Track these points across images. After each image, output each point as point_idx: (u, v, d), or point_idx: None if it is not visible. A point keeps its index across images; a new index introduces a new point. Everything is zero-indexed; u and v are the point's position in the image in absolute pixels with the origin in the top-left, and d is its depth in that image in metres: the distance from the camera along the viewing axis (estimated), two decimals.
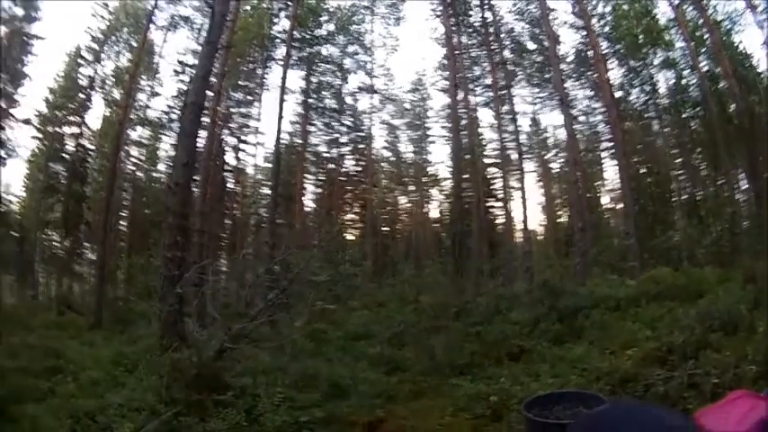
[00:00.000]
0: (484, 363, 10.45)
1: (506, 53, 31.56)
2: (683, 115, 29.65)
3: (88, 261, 35.29)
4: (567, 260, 23.54)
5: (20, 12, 29.53)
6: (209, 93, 20.45)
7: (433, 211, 44.46)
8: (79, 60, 34.29)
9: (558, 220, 39.15)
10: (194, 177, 17.68)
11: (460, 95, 30.61)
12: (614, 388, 7.34)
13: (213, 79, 20.93)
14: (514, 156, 30.37)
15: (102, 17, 34.15)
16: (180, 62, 34.25)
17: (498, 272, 24.78)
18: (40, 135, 33.78)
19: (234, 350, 10.09)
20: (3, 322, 21.58)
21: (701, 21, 26.35)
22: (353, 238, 40.27)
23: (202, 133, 20.62)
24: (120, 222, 36.23)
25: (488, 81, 33.57)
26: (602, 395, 4.86)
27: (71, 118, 33.55)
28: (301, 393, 9.12)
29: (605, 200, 37.15)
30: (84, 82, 34.02)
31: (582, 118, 34.62)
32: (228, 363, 9.95)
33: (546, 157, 40.12)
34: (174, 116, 34.75)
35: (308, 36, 35.17)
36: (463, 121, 30.99)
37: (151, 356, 10.24)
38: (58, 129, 33.55)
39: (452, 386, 9.19)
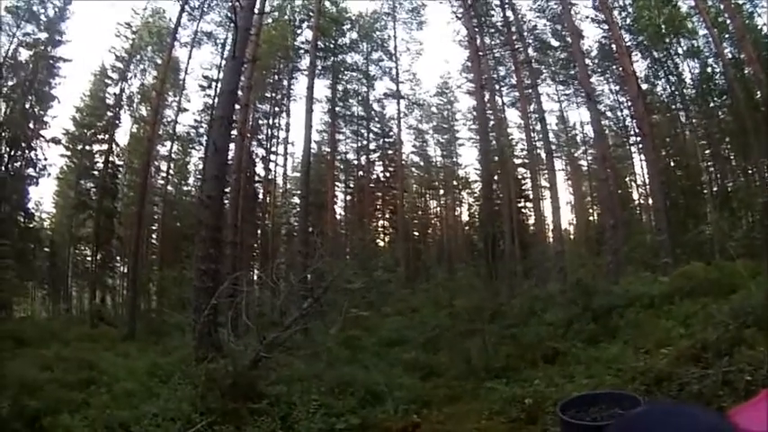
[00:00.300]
0: (519, 365, 10.42)
1: (530, 51, 31.40)
2: (710, 105, 29.30)
3: (120, 274, 35.87)
4: (599, 259, 23.27)
5: (44, 36, 30.13)
6: (237, 106, 20.65)
7: (464, 214, 44.45)
8: (105, 80, 34.93)
9: (590, 218, 38.94)
10: (225, 190, 17.77)
11: (487, 96, 30.59)
12: (649, 387, 7.28)
13: (240, 93, 21.10)
14: (543, 155, 30.15)
15: (125, 37, 34.67)
16: (205, 77, 34.84)
17: (531, 273, 24.65)
18: (69, 153, 34.45)
19: (269, 359, 10.20)
20: (37, 336, 22.01)
21: (723, 6, 25.99)
22: (385, 244, 40.42)
23: (231, 146, 20.80)
24: (152, 236, 36.70)
25: (513, 81, 33.54)
26: (637, 395, 4.87)
27: (99, 136, 34.21)
28: (336, 400, 9.11)
29: (636, 195, 36.92)
30: (111, 100, 34.68)
31: (609, 113, 34.47)
32: (263, 371, 10.06)
33: (575, 155, 39.92)
34: (201, 130, 35.24)
35: (331, 45, 35.42)
36: (491, 123, 30.92)
37: (186, 367, 10.36)
38: (87, 146, 34.22)
39: (487, 390, 9.18)
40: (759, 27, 26.49)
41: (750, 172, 27.66)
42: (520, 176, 37.14)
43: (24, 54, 29.93)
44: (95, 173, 33.98)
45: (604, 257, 21.96)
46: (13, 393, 11.43)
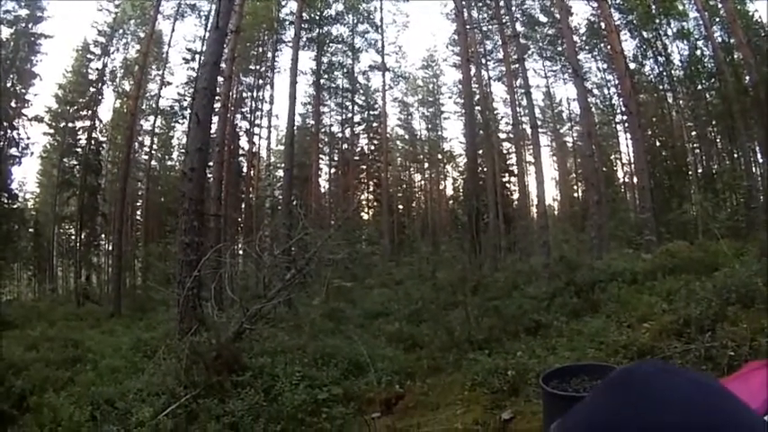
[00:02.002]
0: (501, 337, 10.44)
1: (518, 26, 31.21)
2: (698, 87, 29.39)
3: (105, 252, 35.77)
4: (582, 234, 23.47)
5: (24, 12, 29.77)
6: (220, 78, 20.48)
7: (449, 188, 44.54)
8: (87, 55, 34.60)
9: (574, 195, 39.09)
10: (209, 163, 17.65)
11: (473, 70, 30.50)
12: (632, 361, 7.16)
13: (223, 65, 20.95)
14: (528, 130, 30.17)
15: (108, 11, 34.32)
16: (189, 50, 34.57)
17: (515, 247, 24.78)
18: (52, 131, 34.21)
19: (252, 331, 10.23)
20: (23, 317, 22.00)
21: None
22: (369, 217, 40.48)
23: (215, 119, 20.65)
24: (136, 212, 36.58)
25: (500, 55, 33.47)
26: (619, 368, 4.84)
27: (82, 112, 33.96)
28: (320, 372, 9.19)
29: (621, 174, 37.05)
30: (93, 76, 34.32)
31: (596, 90, 34.47)
32: (247, 344, 10.13)
33: (561, 131, 40.00)
34: (185, 104, 34.97)
35: (317, 17, 35.09)
36: (476, 97, 30.92)
37: (170, 341, 10.36)
38: (70, 124, 34.02)
39: (470, 361, 9.16)
40: (750, 12, 26.59)
41: (735, 155, 27.85)
42: (505, 151, 37.27)
43: (5, 32, 29.52)
44: (78, 150, 33.69)
45: (588, 233, 22.15)
46: (0, 374, 11.44)
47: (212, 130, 18.99)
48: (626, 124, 30.49)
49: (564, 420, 0.86)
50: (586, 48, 32.97)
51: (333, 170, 41.18)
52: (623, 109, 28.84)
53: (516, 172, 34.33)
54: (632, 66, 30.23)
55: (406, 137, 45.36)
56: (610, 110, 34.93)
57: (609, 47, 27.83)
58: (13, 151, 30.30)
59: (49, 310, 24.88)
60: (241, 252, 29.79)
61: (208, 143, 15.77)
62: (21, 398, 9.81)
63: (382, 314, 15.69)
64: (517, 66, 29.52)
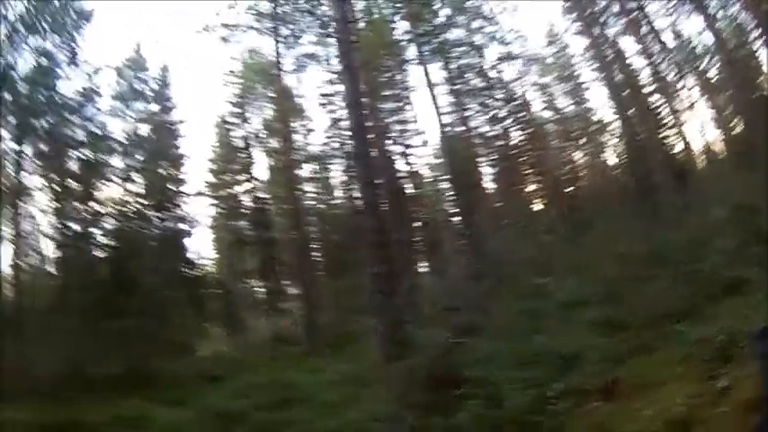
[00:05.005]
0: (701, 303, 10.23)
1: None
2: None
3: (291, 296, 37.92)
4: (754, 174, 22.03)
5: (156, 107, 33.31)
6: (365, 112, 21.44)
7: (610, 158, 43.43)
8: (227, 126, 37.47)
9: (732, 132, 36.92)
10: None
11: (596, 32, 30.01)
12: None
13: (363, 99, 21.94)
14: (670, 76, 29.12)
15: (232, 83, 37.27)
16: (321, 94, 36.31)
17: (689, 202, 23.76)
18: (215, 200, 37.14)
19: (461, 344, 10.74)
20: (225, 369, 23.68)
21: None
22: (541, 207, 40.26)
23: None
24: (312, 254, 38.43)
25: (616, 8, 32.46)
26: None
27: (238, 177, 36.50)
28: (532, 371, 9.50)
29: None
30: (239, 143, 37.23)
31: (720, 14, 32.47)
32: (458, 357, 10.63)
33: (700, 68, 38.09)
34: (335, 144, 36.79)
35: (429, 28, 35.53)
36: (609, 57, 30.32)
37: (380, 368, 10.97)
38: (229, 190, 36.71)
39: (676, 334, 9.10)
40: None
41: None
42: (654, 105, 35.97)
43: (144, 128, 32.98)
44: (245, 211, 36.29)
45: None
46: (219, 424, 12.71)
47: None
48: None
49: None
50: None
51: (493, 170, 41.41)
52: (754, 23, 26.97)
53: (671, 123, 33.12)
54: None
55: (555, 117, 44.81)
56: (740, 31, 32.76)
57: None
58: (183, 226, 33.63)
59: (247, 359, 26.67)
60: (425, 270, 30.86)
61: (373, 177, 16.66)
62: None
63: (578, 302, 15.42)
64: (637, 13, 28.71)
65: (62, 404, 14.45)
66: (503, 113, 39.96)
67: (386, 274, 14.52)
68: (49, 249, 29.01)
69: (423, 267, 37.70)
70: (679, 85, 29.65)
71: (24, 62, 26.36)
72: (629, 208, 24.91)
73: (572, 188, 41.38)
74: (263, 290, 36.28)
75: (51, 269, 29.05)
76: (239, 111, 37.96)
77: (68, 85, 28.48)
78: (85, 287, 25.18)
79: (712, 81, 36.66)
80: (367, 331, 17.90)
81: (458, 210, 27.65)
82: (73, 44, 28.10)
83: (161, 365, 23.73)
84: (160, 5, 59.21)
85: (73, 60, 27.93)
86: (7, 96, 24.77)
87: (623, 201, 31.03)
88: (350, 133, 24.83)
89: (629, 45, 34.69)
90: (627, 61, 33.98)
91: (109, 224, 29.33)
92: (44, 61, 26.88)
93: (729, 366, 7.15)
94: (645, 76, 34.60)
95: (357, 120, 16.41)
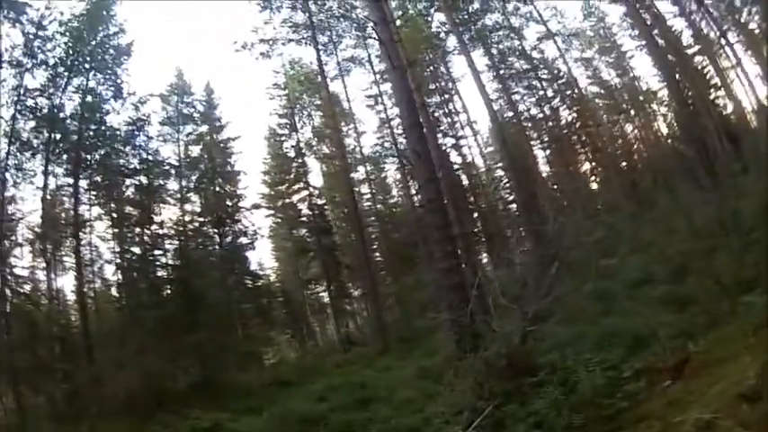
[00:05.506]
0: None
1: None
2: None
3: (356, 298, 38.40)
4: None
5: (205, 128, 34.76)
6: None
7: (663, 127, 42.66)
8: (278, 138, 38.09)
9: None
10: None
11: None
12: None
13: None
14: (713, 34, 28.44)
15: (278, 96, 38.09)
16: (368, 96, 36.66)
17: (747, 166, 23.04)
18: (273, 211, 37.87)
19: (534, 331, 10.81)
20: (297, 374, 24.03)
21: None
22: (598, 184, 39.83)
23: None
24: (375, 254, 38.81)
25: None
26: None
27: (294, 186, 37.22)
28: (605, 354, 9.48)
29: None
30: (291, 153, 38.41)
31: None
32: (532, 345, 10.60)
33: (742, 20, 36.86)
34: (387, 144, 37.11)
35: (465, 16, 35.48)
36: (648, 22, 29.84)
37: (456, 361, 11.09)
38: (287, 200, 37.40)
39: (745, 306, 8.94)
40: None
41: None
42: (700, 66, 35.06)
43: (195, 149, 34.46)
44: (303, 219, 36.91)
45: None
46: (298, 428, 12.98)
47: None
48: None
49: None
50: None
51: (548, 152, 41.16)
52: None
53: (721, 84, 32.30)
54: None
55: (602, 91, 44.20)
56: None
57: None
58: (244, 240, 35.05)
59: (318, 364, 27.06)
60: (494, 259, 30.80)
61: (435, 173, 16.78)
62: None
63: (645, 280, 15.45)
64: None
65: (138, 420, 14.89)
66: (550, 93, 39.64)
67: (455, 268, 14.64)
68: (112, 275, 30.04)
69: (487, 258, 37.72)
70: (722, 43, 28.82)
71: (71, 102, 27.73)
72: (687, 178, 24.38)
73: (628, 162, 40.78)
74: (329, 293, 36.73)
75: (115, 293, 29.97)
76: (288, 122, 38.49)
77: (117, 118, 29.62)
78: (150, 306, 25.88)
79: (755, 33, 35.60)
80: (435, 327, 18.06)
81: (516, 196, 27.50)
82: (116, 78, 29.39)
83: (233, 376, 24.28)
84: (198, 23, 60.55)
85: (118, 94, 29.15)
86: (58, 136, 25.72)
87: (681, 170, 30.45)
88: (402, 131, 25.15)
89: (666, 7, 33.97)
90: (666, 24, 33.36)
91: (171, 245, 30.19)
92: (90, 99, 28.07)
93: None
94: (686, 37, 33.92)
95: (410, 117, 16.53)
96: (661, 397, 7.68)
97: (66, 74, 26.98)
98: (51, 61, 26.61)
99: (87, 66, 28.08)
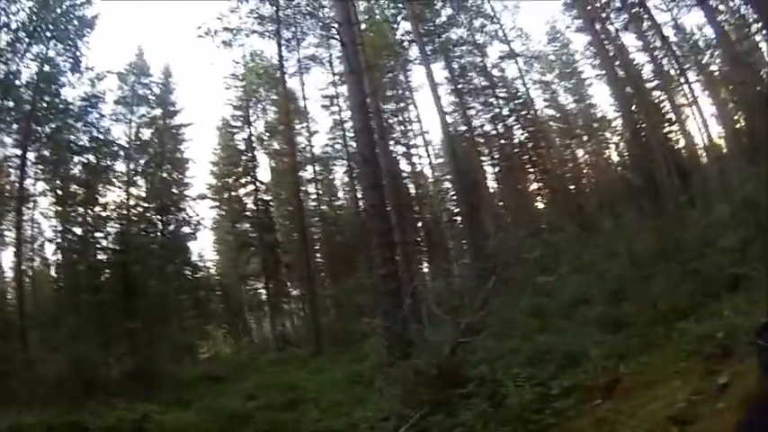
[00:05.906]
0: (704, 300, 10.24)
1: None
2: None
3: (294, 297, 38.19)
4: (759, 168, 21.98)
5: (158, 111, 33.50)
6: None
7: (614, 155, 43.44)
8: (230, 129, 37.76)
9: (736, 126, 36.70)
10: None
11: (598, 27, 30.10)
12: None
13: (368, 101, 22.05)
14: (672, 71, 29.10)
15: (235, 87, 37.45)
16: (324, 96, 36.60)
17: (694, 199, 23.67)
18: (218, 203, 37.45)
19: (466, 343, 10.83)
20: (229, 370, 23.84)
21: None
22: (544, 204, 40.33)
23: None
24: (316, 255, 38.65)
25: (618, 3, 32.48)
26: None
27: (242, 180, 36.82)
28: (537, 370, 9.50)
29: None
30: (242, 146, 37.86)
31: (721, 6, 32.34)
32: (463, 356, 10.69)
33: (702, 62, 37.93)
34: (337, 146, 37.11)
35: (431, 28, 35.72)
36: (611, 53, 30.39)
37: (386, 368, 11.08)
38: (233, 193, 37.21)
39: (679, 331, 9.08)
40: None
41: None
42: (656, 100, 35.85)
43: (147, 133, 33.54)
44: (247, 213, 36.55)
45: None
46: (226, 426, 12.81)
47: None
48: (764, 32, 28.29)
49: None
50: None
51: (497, 168, 41.40)
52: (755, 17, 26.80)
53: (674, 119, 33.07)
54: None
55: (557, 115, 44.78)
56: (743, 22, 32.55)
57: None
58: (186, 230, 34.45)
59: (251, 361, 26.86)
60: (432, 269, 30.98)
61: (380, 179, 16.76)
62: None
63: (582, 301, 15.52)
64: (640, 9, 28.70)
65: (66, 407, 14.50)
66: (505, 112, 40.06)
67: (393, 275, 14.62)
68: (52, 254, 29.30)
69: (427, 267, 37.85)
70: (681, 80, 29.55)
71: (28, 70, 26.77)
72: (632, 206, 24.89)
73: (576, 186, 41.40)
74: (267, 291, 36.40)
75: (53, 274, 29.24)
76: (242, 114, 38.12)
77: (72, 92, 28.92)
78: (88, 290, 25.30)
79: (715, 75, 36.59)
80: (371, 332, 18.04)
81: (461, 209, 27.70)
82: (76, 51, 28.45)
83: (166, 367, 23.88)
84: (161, 6, 59.64)
85: (76, 67, 28.25)
86: (10, 103, 24.94)
87: (627, 198, 31.03)
88: (353, 135, 25.09)
89: (630, 41, 34.73)
90: (629, 57, 34.06)
91: (113, 228, 29.48)
92: (47, 69, 27.11)
93: (730, 362, 7.17)
94: (647, 71, 34.70)
95: (362, 122, 16.48)
96: (590, 415, 7.79)
97: (26, 39, 26.22)
98: (14, 25, 25.81)
99: (49, 34, 27.24)
